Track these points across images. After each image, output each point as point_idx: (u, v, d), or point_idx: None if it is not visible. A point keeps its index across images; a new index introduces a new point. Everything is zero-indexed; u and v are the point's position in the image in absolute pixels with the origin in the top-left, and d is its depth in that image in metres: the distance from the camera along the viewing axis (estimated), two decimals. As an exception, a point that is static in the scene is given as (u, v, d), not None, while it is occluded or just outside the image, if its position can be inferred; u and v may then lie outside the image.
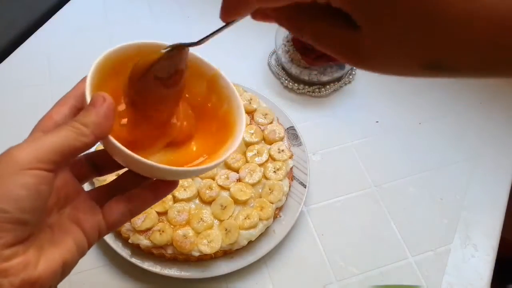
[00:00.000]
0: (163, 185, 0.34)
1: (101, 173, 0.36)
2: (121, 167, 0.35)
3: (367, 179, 0.66)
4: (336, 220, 0.62)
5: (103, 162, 0.35)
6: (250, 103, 0.66)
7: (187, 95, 0.37)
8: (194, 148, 0.36)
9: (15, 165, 0.25)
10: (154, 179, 0.34)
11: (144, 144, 0.33)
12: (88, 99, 0.29)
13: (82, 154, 0.34)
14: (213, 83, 0.36)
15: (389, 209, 0.63)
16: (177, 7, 0.86)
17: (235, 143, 0.34)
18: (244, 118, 0.35)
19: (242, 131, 0.35)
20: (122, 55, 0.33)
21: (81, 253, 0.30)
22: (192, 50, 0.34)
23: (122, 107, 0.33)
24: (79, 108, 0.31)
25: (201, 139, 0.36)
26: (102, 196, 0.33)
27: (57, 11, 0.83)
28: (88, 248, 0.31)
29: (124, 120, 0.33)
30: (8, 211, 0.25)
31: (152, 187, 0.33)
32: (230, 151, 0.33)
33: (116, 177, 0.36)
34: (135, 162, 0.29)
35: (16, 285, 0.25)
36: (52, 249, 0.28)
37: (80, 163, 0.35)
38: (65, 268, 0.28)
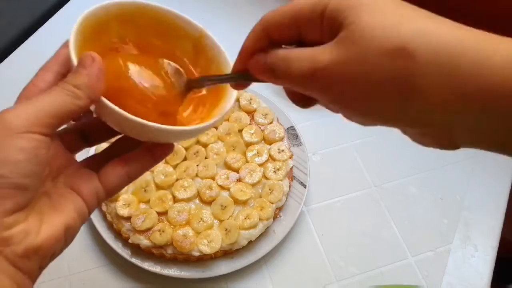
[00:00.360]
0: (159, 147, 0.33)
1: (91, 144, 0.35)
2: (112, 135, 0.34)
3: (367, 179, 0.66)
4: (336, 220, 0.62)
5: (93, 131, 0.34)
6: (250, 103, 0.66)
7: (177, 53, 0.36)
8: (185, 115, 0.35)
9: (10, 129, 0.25)
10: (149, 142, 0.33)
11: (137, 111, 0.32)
12: (74, 60, 0.28)
13: (71, 124, 0.34)
14: (199, 45, 0.36)
15: (389, 209, 0.63)
16: (177, 7, 0.85)
17: (228, 104, 0.33)
18: None
19: (234, 93, 0.34)
20: (103, 15, 0.32)
21: (83, 219, 0.29)
22: (174, 8, 0.35)
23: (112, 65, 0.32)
24: (64, 73, 0.30)
25: (192, 105, 0.36)
26: (97, 164, 0.32)
27: (57, 11, 0.83)
28: (89, 215, 0.30)
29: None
30: (6, 176, 0.24)
31: (150, 148, 0.32)
32: (224, 112, 0.33)
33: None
34: (128, 122, 0.28)
35: (19, 254, 0.25)
36: (53, 214, 0.27)
37: (69, 134, 0.34)
38: (68, 234, 0.28)
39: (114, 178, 0.31)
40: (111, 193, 0.31)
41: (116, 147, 0.35)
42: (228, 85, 0.35)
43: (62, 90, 0.27)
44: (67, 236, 0.28)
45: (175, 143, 0.35)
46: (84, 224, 0.30)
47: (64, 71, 0.30)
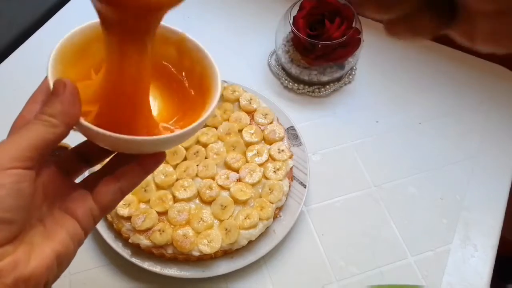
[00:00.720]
0: (150, 158, 0.33)
1: (91, 164, 0.36)
2: (109, 153, 0.35)
3: (367, 179, 0.66)
4: (336, 220, 0.62)
5: (90, 152, 0.35)
6: (250, 103, 0.66)
7: (164, 62, 0.36)
8: (172, 122, 0.35)
9: None
10: (138, 155, 0.33)
11: (125, 123, 0.31)
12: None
13: (69, 149, 0.34)
14: (182, 48, 0.36)
15: (389, 209, 0.63)
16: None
17: (212, 105, 0.33)
18: (219, 77, 0.34)
19: (219, 91, 0.34)
20: (81, 39, 0.32)
21: (78, 242, 0.30)
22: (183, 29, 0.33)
23: (92, 87, 0.31)
24: None
25: (180, 112, 0.36)
26: (92, 183, 0.32)
27: (57, 11, 0.83)
28: (85, 236, 0.30)
29: (96, 105, 0.31)
30: None
31: (140, 162, 0.32)
32: (206, 114, 0.32)
33: None
34: (110, 139, 0.28)
35: (9, 285, 0.25)
36: (44, 242, 0.27)
37: (68, 158, 0.34)
38: (61, 260, 0.28)
39: (107, 195, 0.31)
40: (105, 211, 0.31)
41: (112, 164, 0.35)
42: (212, 84, 0.34)
43: (39, 122, 0.28)
44: (60, 262, 0.28)
45: (167, 151, 0.34)
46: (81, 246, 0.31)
47: None
